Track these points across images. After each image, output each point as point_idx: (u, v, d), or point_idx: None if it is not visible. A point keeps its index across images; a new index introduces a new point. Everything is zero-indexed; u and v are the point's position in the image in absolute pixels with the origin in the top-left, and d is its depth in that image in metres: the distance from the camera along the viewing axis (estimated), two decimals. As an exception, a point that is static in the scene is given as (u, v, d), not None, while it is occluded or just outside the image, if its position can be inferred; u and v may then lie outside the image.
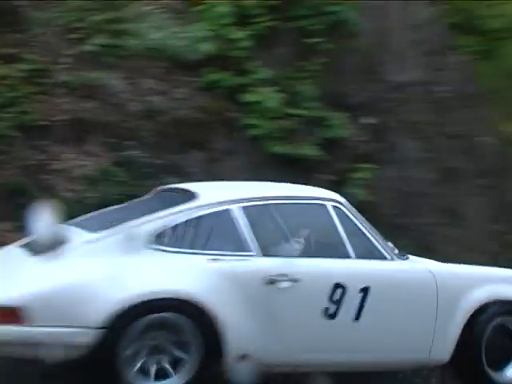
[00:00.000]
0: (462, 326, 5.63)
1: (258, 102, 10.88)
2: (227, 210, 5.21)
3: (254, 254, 5.16)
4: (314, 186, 6.30)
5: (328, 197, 5.85)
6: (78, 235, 5.05)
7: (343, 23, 11.93)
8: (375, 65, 12.63)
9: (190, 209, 5.18)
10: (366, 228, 5.87)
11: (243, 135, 10.90)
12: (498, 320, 5.73)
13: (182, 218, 5.11)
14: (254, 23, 11.30)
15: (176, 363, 4.73)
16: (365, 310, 5.35)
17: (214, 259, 5.04)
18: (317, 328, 5.22)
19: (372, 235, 5.86)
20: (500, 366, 5.66)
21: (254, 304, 4.96)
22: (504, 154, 14.31)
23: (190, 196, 5.35)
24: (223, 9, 11.16)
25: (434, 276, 5.79)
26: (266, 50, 11.48)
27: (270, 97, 10.93)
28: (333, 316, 5.25)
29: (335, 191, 6.00)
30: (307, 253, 5.46)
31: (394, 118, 12.17)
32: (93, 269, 4.70)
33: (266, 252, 5.21)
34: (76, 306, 4.46)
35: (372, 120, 11.77)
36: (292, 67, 11.52)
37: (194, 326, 4.72)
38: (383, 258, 5.74)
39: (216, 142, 10.82)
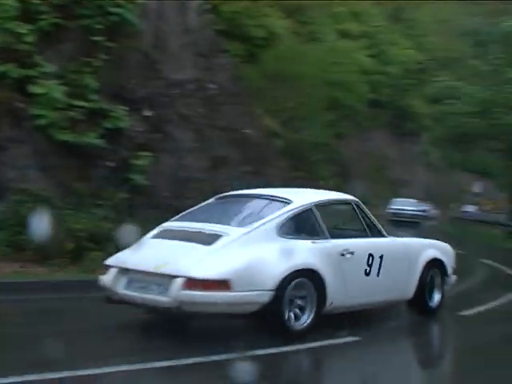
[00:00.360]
0: (419, 275, 7.98)
1: (43, 94, 10.72)
2: (310, 209, 7.11)
3: (328, 237, 7.06)
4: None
5: (350, 198, 7.98)
6: (228, 230, 6.69)
7: (124, 23, 12.02)
8: (154, 63, 12.86)
9: (292, 209, 6.99)
10: (373, 217, 7.92)
11: (30, 125, 10.65)
12: (431, 271, 8.14)
13: (289, 216, 6.92)
14: (40, 19, 11.06)
15: (301, 309, 6.59)
16: (382, 269, 7.42)
17: (313, 242, 6.89)
18: (361, 282, 7.23)
19: (377, 222, 7.93)
20: (430, 298, 8.15)
21: (335, 269, 6.85)
22: (265, 145, 15.21)
23: (286, 201, 7.14)
24: (7, 2, 10.79)
25: (406, 245, 8.22)
26: (51, 45, 11.29)
27: (54, 89, 10.80)
28: (368, 274, 7.30)
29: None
30: (350, 236, 7.57)
31: (170, 112, 12.48)
32: (260, 252, 6.48)
33: (332, 236, 7.12)
34: (257, 277, 6.28)
35: (150, 113, 11.97)
36: (76, 62, 11.43)
37: (313, 285, 6.61)
38: (384, 236, 7.82)
39: (3, 130, 10.48)
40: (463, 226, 38.11)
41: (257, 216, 6.98)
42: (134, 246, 7.04)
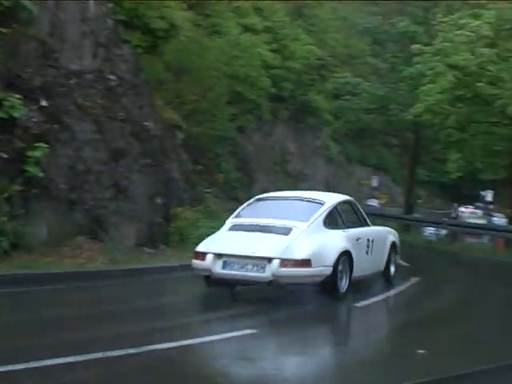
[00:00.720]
0: (387, 253, 11.04)
1: None
2: (336, 208, 9.87)
3: (346, 228, 9.80)
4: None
5: (351, 199, 10.89)
6: (294, 224, 9.17)
7: (19, 9, 11.57)
8: (51, 52, 12.47)
9: (327, 208, 9.66)
10: (363, 212, 10.89)
11: None
12: (391, 250, 11.21)
13: (327, 212, 9.61)
14: None
15: (341, 279, 9.17)
16: (373, 249, 10.29)
17: (343, 231, 9.66)
18: (365, 259, 9.98)
19: (365, 215, 10.87)
20: (389, 269, 11.22)
21: (355, 250, 9.53)
22: (166, 137, 15.09)
23: (321, 202, 9.86)
24: None
25: (381, 231, 11.52)
26: None
27: None
28: (367, 253, 10.17)
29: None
30: (354, 226, 10.17)
31: (68, 102, 12.16)
32: (321, 239, 9.08)
33: (347, 227, 9.86)
34: (324, 257, 8.84)
35: (47, 103, 11.62)
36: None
37: (348, 261, 9.30)
38: (369, 225, 10.80)
39: None
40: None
41: (307, 213, 9.49)
42: (215, 237, 9.39)
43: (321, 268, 8.72)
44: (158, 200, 13.77)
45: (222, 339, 6.55)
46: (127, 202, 12.77)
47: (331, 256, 8.88)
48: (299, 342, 6.91)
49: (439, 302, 10.26)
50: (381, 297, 9.98)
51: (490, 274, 16.45)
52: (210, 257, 8.81)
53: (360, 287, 11.25)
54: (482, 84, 22.07)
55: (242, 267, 8.60)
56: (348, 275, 9.26)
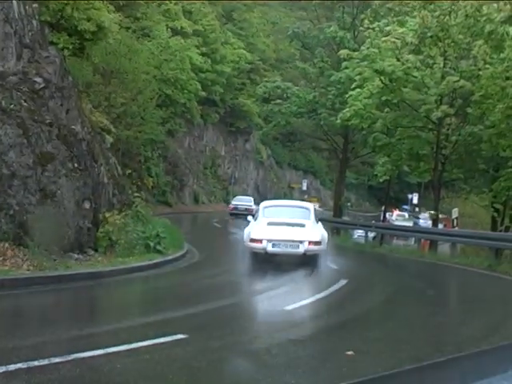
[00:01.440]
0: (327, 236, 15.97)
1: None
2: (314, 210, 16.13)
3: (318, 221, 16.09)
4: None
5: (311, 204, 17.25)
6: (304, 222, 14.79)
7: None
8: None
9: (312, 210, 15.55)
10: (316, 214, 16.01)
11: None
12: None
13: (314, 213, 15.68)
14: None
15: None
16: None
17: (320, 223, 16.01)
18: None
19: (316, 216, 15.96)
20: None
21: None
22: (93, 141, 14.85)
23: (306, 207, 16.00)
24: None
25: (322, 225, 16.18)
26: None
27: None
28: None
29: None
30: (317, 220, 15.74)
31: (-9, 105, 11.77)
32: (320, 229, 15.10)
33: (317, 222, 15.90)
34: (324, 239, 14.56)
35: (-31, 105, 11.24)
36: None
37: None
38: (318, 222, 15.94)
39: None
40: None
41: (305, 214, 15.13)
42: (260, 229, 14.35)
43: (323, 246, 14.67)
44: (86, 204, 13.53)
45: (151, 345, 6.48)
46: (54, 206, 12.49)
47: (326, 238, 15.05)
48: (230, 347, 6.90)
49: (367, 303, 10.46)
50: (310, 299, 10.09)
51: (416, 274, 16.87)
52: (264, 241, 14.07)
53: (289, 290, 11.36)
54: (407, 89, 22.67)
55: (285, 246, 14.15)
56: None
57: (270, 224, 14.38)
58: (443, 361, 2.32)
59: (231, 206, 45.10)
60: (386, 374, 2.11)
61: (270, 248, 13.87)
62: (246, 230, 14.95)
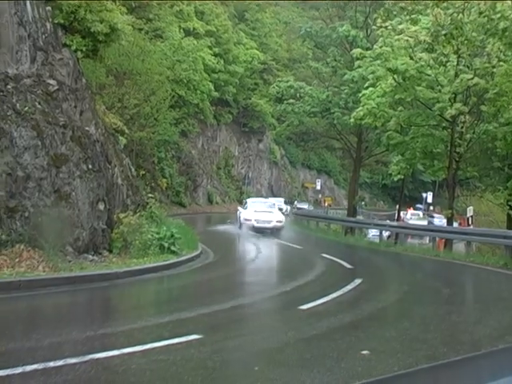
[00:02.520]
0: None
1: None
2: (284, 203, 51.06)
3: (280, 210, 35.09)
4: None
5: (280, 199, 50.13)
6: (273, 210, 29.81)
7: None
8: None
9: (281, 203, 46.94)
10: (285, 207, 48.31)
11: None
12: None
13: (280, 206, 42.87)
14: None
15: None
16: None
17: (283, 212, 37.62)
18: None
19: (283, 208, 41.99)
20: None
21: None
22: (107, 142, 14.91)
23: (274, 203, 33.64)
24: None
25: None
26: None
27: None
28: None
29: None
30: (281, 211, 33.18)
31: (5, 108, 11.85)
32: (281, 214, 30.79)
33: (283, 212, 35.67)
34: (283, 220, 29.02)
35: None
36: None
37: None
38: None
39: None
40: (301, 222, 39.55)
41: (272, 206, 30.12)
42: (249, 213, 27.92)
43: (283, 223, 27.89)
44: (100, 206, 13.59)
45: (166, 345, 6.49)
46: (68, 208, 12.55)
47: (284, 219, 28.42)
48: (245, 347, 6.90)
49: (382, 302, 10.42)
50: (325, 299, 10.06)
51: (431, 273, 16.79)
52: (253, 220, 27.04)
53: (304, 290, 11.34)
54: (420, 88, 22.56)
55: (263, 222, 26.81)
56: None
57: (255, 211, 28.09)
58: (459, 360, 2.31)
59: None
60: (401, 373, 2.10)
61: (255, 224, 27.08)
62: (240, 214, 29.07)
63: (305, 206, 54.42)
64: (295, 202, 58.28)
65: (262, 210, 27.71)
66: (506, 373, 2.18)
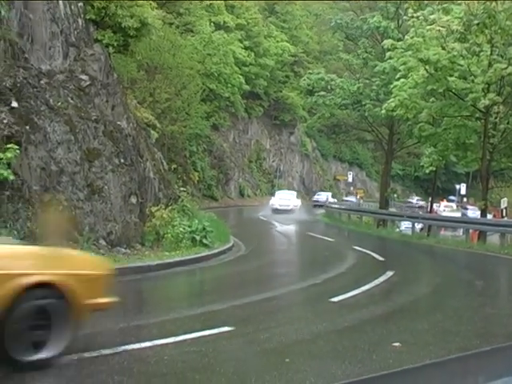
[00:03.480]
0: None
1: None
2: (293, 193, 50.07)
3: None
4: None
5: (294, 192, 49.01)
6: (292, 197, 45.98)
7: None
8: (21, 52, 12.34)
9: (295, 194, 49.38)
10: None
11: None
12: None
13: (295, 194, 49.05)
14: None
15: None
16: None
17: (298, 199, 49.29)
18: None
19: None
20: None
21: None
22: (139, 136, 15.03)
23: (292, 192, 47.99)
24: None
25: None
26: None
27: None
28: None
29: None
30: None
31: (39, 103, 12.03)
32: (298, 200, 47.34)
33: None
34: (299, 203, 46.05)
35: (17, 104, 11.49)
36: None
37: None
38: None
39: None
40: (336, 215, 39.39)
41: (292, 195, 45.37)
42: (275, 200, 42.93)
43: (299, 206, 42.86)
44: (133, 199, 13.72)
45: (198, 337, 6.54)
46: (101, 202, 12.70)
47: (300, 203, 43.88)
48: (276, 339, 6.92)
49: (414, 295, 10.36)
50: (356, 291, 10.04)
51: (464, 265, 16.63)
52: (277, 205, 41.36)
53: (335, 282, 11.32)
54: (453, 78, 22.29)
55: (283, 206, 40.93)
56: None
57: (279, 198, 42.15)
58: (489, 350, 2.30)
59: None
60: (432, 362, 2.10)
61: (278, 207, 40.29)
62: (270, 201, 42.62)
63: (352, 198, 53.73)
64: (326, 196, 57.61)
65: (284, 198, 43.35)
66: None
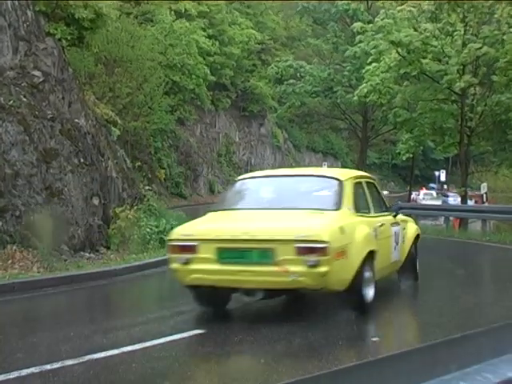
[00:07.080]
0: None
1: None
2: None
3: None
4: None
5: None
6: None
7: None
8: (-33, 49, 12.18)
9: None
10: None
11: None
12: None
13: None
14: None
15: None
16: None
17: None
18: None
19: None
20: None
21: None
22: (99, 134, 14.94)
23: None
24: None
25: None
26: None
27: None
28: None
29: None
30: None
31: (-11, 102, 11.87)
32: None
33: None
34: None
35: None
36: None
37: None
38: None
39: None
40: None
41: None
42: None
43: None
44: (95, 201, 13.64)
45: (168, 342, 6.54)
46: (61, 205, 12.60)
47: None
48: (248, 340, 6.95)
49: (393, 288, 10.45)
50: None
51: (445, 255, 16.81)
52: None
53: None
54: (426, 60, 22.51)
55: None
56: None
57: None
58: (459, 337, 2.34)
59: None
60: (400, 352, 2.14)
61: None
62: None
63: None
64: None
65: None
66: (507, 349, 2.22)
